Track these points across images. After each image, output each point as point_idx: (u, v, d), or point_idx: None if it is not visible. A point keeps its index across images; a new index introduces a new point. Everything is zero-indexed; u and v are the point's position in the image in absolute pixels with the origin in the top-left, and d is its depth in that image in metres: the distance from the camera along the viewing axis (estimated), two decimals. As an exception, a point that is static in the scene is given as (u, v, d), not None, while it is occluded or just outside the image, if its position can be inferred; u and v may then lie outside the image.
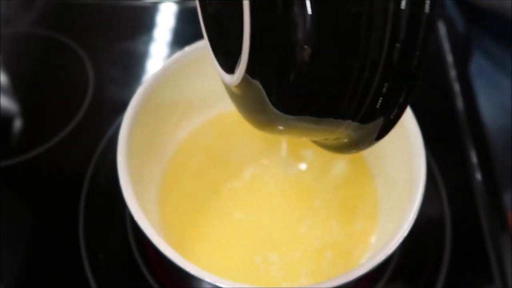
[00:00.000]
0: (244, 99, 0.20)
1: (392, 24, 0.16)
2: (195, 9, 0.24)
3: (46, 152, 0.43)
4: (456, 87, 0.49)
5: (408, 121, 0.32)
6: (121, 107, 0.45)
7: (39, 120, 0.46)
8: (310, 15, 0.15)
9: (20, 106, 0.48)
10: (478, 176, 0.42)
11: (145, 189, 0.34)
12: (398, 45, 0.16)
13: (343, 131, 0.19)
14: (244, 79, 0.18)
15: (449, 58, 0.51)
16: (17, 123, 0.46)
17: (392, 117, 0.18)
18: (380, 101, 0.18)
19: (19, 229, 0.39)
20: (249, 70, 0.17)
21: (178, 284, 0.36)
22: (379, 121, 0.18)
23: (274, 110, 0.18)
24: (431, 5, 0.15)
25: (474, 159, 0.44)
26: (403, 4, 0.15)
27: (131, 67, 0.50)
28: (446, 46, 0.52)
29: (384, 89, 0.17)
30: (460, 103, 0.48)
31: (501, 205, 0.41)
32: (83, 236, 0.38)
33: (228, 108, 0.35)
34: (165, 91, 0.35)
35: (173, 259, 0.26)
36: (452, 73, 0.50)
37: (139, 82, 0.49)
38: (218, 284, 0.26)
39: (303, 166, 0.38)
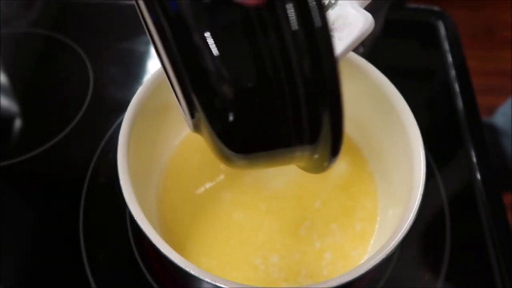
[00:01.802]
0: (208, 144, 0.21)
1: (295, 52, 0.17)
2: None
3: (46, 152, 0.43)
4: (456, 87, 0.49)
5: (408, 121, 0.32)
6: (121, 107, 0.45)
7: (39, 120, 0.46)
8: (222, 73, 0.17)
9: (20, 106, 0.48)
10: (478, 176, 0.42)
11: (145, 189, 0.34)
12: (304, 70, 0.17)
13: (301, 156, 0.20)
14: (195, 127, 0.20)
15: (449, 58, 0.51)
16: (17, 123, 0.46)
17: (332, 131, 0.19)
18: (314, 120, 0.18)
19: (19, 229, 0.39)
20: (193, 123, 0.19)
21: (178, 284, 0.36)
22: (325, 139, 0.19)
23: (229, 152, 0.20)
24: (321, 18, 0.16)
25: (474, 159, 0.44)
26: (289, 34, 0.17)
27: (131, 67, 0.50)
28: (446, 46, 0.52)
29: (312, 110, 0.18)
30: (460, 103, 0.48)
31: (501, 205, 0.41)
32: (83, 236, 0.38)
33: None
34: (165, 91, 0.35)
35: (173, 259, 0.26)
36: (452, 73, 0.50)
37: (139, 82, 0.49)
38: (218, 284, 0.26)
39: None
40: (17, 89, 0.49)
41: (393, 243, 0.27)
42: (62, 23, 0.54)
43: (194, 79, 0.18)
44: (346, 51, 0.26)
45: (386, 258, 0.27)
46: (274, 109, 0.18)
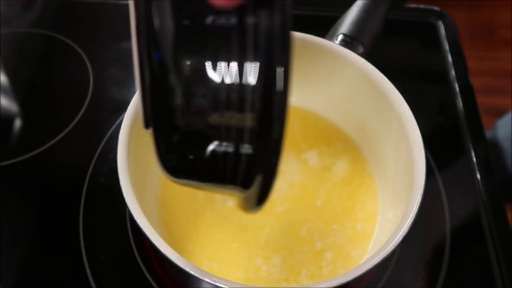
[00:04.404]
0: None
1: (250, 113, 0.18)
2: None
3: (46, 152, 0.43)
4: (456, 87, 0.49)
5: (408, 121, 0.32)
6: (121, 107, 0.45)
7: (39, 120, 0.46)
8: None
9: (20, 106, 0.48)
10: (478, 176, 0.42)
11: (145, 189, 0.34)
12: (245, 126, 0.18)
13: (232, 193, 0.21)
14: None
15: (449, 58, 0.51)
16: (17, 123, 0.46)
17: (263, 184, 0.20)
18: (248, 175, 0.20)
19: (19, 229, 0.39)
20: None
21: (178, 284, 0.36)
22: (255, 188, 0.20)
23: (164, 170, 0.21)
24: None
25: (474, 159, 0.44)
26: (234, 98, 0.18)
27: (131, 67, 0.50)
28: (446, 46, 0.52)
29: (248, 168, 0.19)
30: (460, 103, 0.48)
31: (501, 205, 0.41)
32: (83, 236, 0.38)
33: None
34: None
35: (173, 259, 0.26)
36: (452, 73, 0.50)
37: (139, 82, 0.49)
38: (218, 284, 0.26)
39: (304, 167, 0.38)
40: (17, 89, 0.49)
41: (393, 243, 0.27)
42: (62, 23, 0.54)
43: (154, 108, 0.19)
44: None
45: (386, 258, 0.27)
46: (213, 152, 0.19)
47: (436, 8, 0.55)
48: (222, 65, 0.18)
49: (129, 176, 0.29)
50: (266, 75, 0.17)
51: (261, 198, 0.20)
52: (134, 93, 0.33)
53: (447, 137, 0.46)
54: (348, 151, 0.39)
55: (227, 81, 0.18)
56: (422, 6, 0.56)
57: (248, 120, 0.18)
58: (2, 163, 0.42)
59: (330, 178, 0.38)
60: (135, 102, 0.33)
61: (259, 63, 0.17)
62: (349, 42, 0.38)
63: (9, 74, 0.50)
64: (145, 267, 0.37)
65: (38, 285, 0.36)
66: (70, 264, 0.37)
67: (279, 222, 0.35)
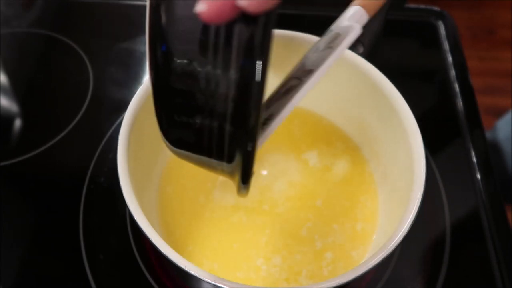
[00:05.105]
0: None
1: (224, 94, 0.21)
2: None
3: (46, 152, 0.43)
4: (456, 87, 0.49)
5: (408, 121, 0.32)
6: (121, 107, 0.45)
7: (39, 120, 0.46)
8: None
9: (20, 106, 0.48)
10: (478, 176, 0.42)
11: (145, 189, 0.34)
12: (229, 109, 0.21)
13: (223, 170, 0.24)
14: None
15: (449, 58, 0.51)
16: (17, 123, 0.46)
17: (244, 163, 0.22)
18: (232, 150, 0.22)
19: (19, 229, 0.39)
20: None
21: (178, 284, 0.36)
22: (238, 168, 0.23)
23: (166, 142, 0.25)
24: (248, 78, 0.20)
25: (474, 159, 0.44)
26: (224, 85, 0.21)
27: (131, 67, 0.50)
28: (446, 46, 0.52)
29: (230, 139, 0.22)
30: (460, 103, 0.48)
31: (501, 205, 0.41)
32: (83, 236, 0.38)
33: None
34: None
35: (173, 259, 0.26)
36: (452, 73, 0.50)
37: (139, 82, 0.49)
38: (217, 284, 0.26)
39: (304, 168, 0.38)
40: (17, 89, 0.49)
41: (393, 243, 0.27)
42: (62, 23, 0.55)
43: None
44: (335, 58, 0.30)
45: (386, 258, 0.27)
46: (203, 129, 0.22)
47: (436, 8, 0.56)
48: (210, 61, 0.21)
49: (129, 176, 0.29)
50: (247, 69, 0.20)
51: (244, 176, 0.23)
52: (134, 93, 0.33)
53: (447, 137, 0.46)
54: (348, 151, 0.39)
55: (216, 73, 0.21)
56: (422, 6, 0.56)
57: (229, 106, 0.21)
58: (2, 163, 0.42)
59: (330, 178, 0.38)
60: (136, 102, 0.33)
61: (242, 59, 0.20)
62: (349, 42, 0.38)
63: (9, 74, 0.50)
64: (145, 267, 0.37)
65: (38, 285, 0.36)
66: (70, 264, 0.37)
67: (279, 222, 0.36)
